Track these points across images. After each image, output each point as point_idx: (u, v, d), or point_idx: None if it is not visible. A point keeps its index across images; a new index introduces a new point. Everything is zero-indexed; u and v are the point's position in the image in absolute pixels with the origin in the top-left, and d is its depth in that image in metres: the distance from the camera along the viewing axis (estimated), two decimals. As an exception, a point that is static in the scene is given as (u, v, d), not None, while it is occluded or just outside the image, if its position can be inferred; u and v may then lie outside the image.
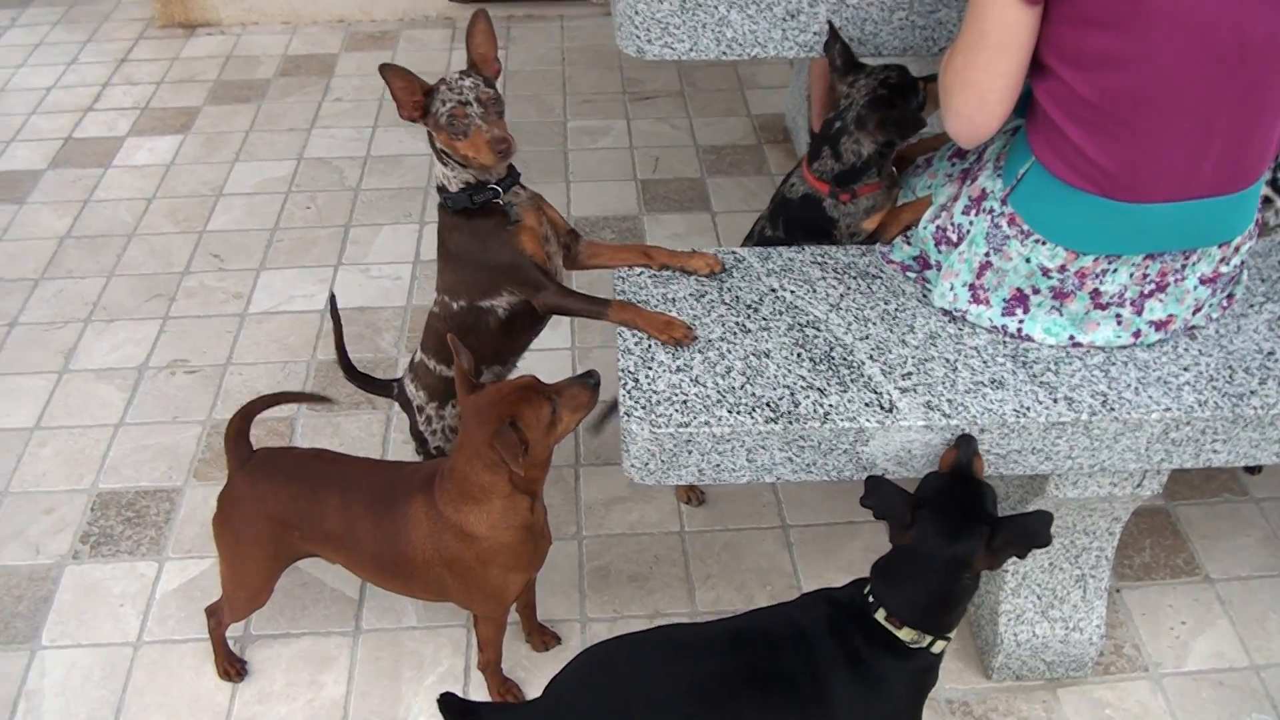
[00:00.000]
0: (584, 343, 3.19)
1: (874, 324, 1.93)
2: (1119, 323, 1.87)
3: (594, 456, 2.82)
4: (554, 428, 1.84)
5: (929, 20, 2.02)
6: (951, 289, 1.95)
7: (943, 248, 1.98)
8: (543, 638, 2.35)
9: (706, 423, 1.76)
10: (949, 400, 1.78)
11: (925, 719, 1.84)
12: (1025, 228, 1.84)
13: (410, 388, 2.30)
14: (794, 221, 2.25)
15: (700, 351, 1.89)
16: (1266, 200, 2.16)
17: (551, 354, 3.11)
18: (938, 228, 1.99)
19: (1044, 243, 1.82)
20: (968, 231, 1.93)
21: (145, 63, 4.74)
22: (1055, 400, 1.78)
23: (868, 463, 1.79)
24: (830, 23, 2.01)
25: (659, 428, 1.76)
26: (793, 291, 2.01)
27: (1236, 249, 1.85)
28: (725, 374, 1.84)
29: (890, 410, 1.76)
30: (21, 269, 3.55)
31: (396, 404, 2.42)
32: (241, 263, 3.56)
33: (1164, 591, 2.48)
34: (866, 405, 1.77)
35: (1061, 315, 1.88)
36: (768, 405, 1.78)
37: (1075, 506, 1.97)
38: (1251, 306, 1.98)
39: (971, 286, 1.93)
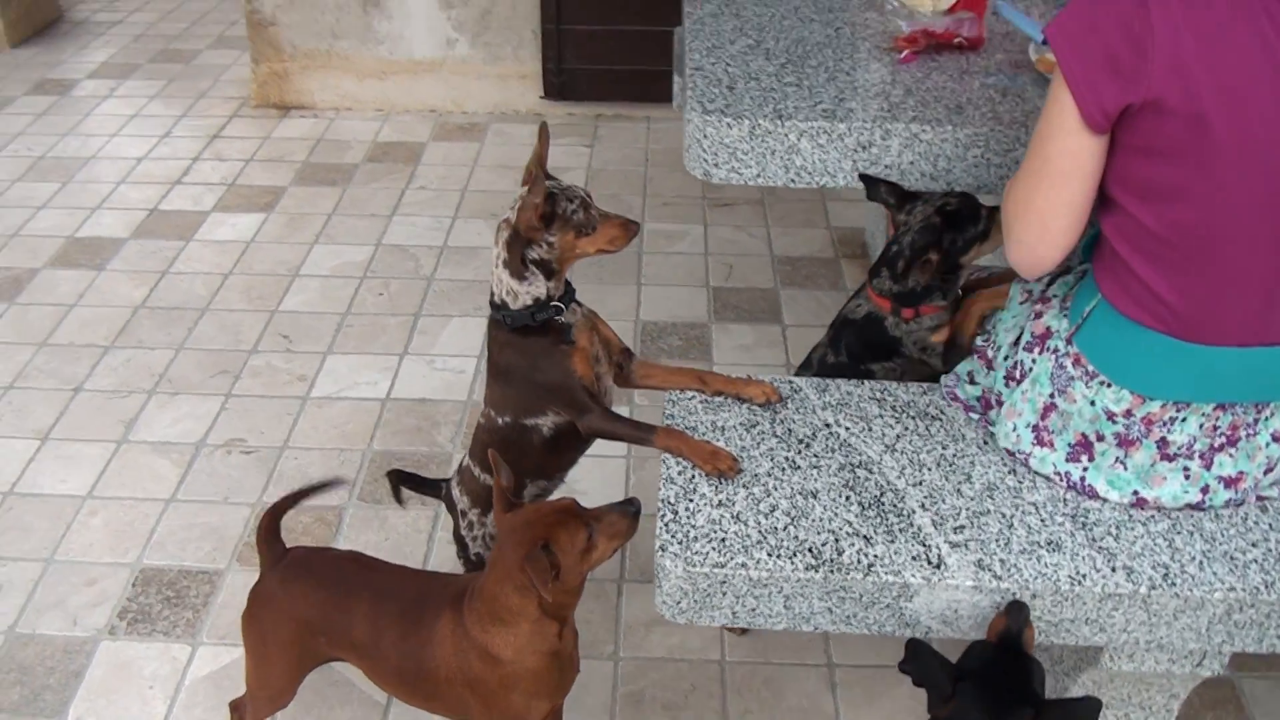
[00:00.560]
0: (640, 452, 3.13)
1: (929, 470, 1.85)
2: (1186, 477, 1.78)
3: (639, 573, 2.75)
4: (589, 554, 1.78)
5: (1005, 159, 1.97)
6: (1015, 430, 1.87)
7: (1010, 384, 1.91)
8: (567, 765, 2.27)
9: (743, 565, 1.69)
10: (1002, 560, 1.69)
11: None
12: (1090, 369, 1.76)
13: (456, 491, 2.27)
14: (856, 344, 2.19)
15: (745, 486, 1.83)
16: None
17: (605, 461, 3.06)
18: (1010, 366, 1.92)
19: (1109, 385, 1.74)
20: (1029, 369, 1.86)
21: (237, 140, 4.87)
22: (1114, 569, 1.68)
23: (911, 620, 1.70)
24: (861, 174, 1.98)
25: (693, 566, 1.69)
26: (847, 428, 1.94)
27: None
28: (769, 513, 1.77)
29: (938, 566, 1.68)
30: (93, 335, 3.61)
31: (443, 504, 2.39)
32: (309, 345, 3.58)
33: (1229, 771, 2.32)
34: (914, 559, 1.69)
35: (1127, 469, 1.79)
36: (810, 551, 1.70)
37: (1131, 680, 1.85)
38: (1335, 480, 1.86)
39: (1035, 428, 1.85)
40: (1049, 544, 1.72)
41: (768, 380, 2.05)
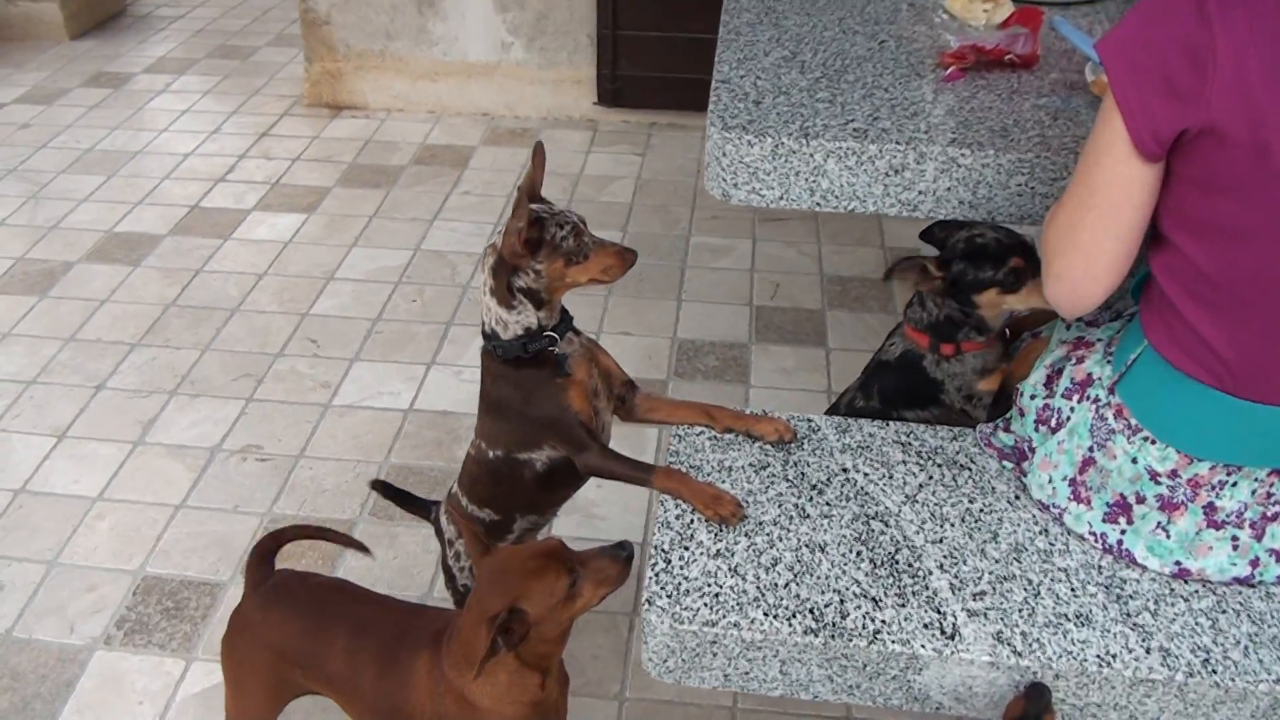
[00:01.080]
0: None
1: (952, 525, 1.69)
2: (1235, 548, 1.60)
3: (652, 608, 2.60)
4: (571, 603, 1.65)
5: (1051, 188, 1.80)
6: (1050, 482, 1.71)
7: (1041, 429, 1.74)
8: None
9: (736, 624, 1.54)
10: (1024, 633, 1.52)
11: None
12: (1133, 422, 1.59)
13: (444, 520, 2.15)
14: (892, 389, 2.03)
15: (748, 535, 1.68)
16: None
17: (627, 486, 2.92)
18: (1040, 408, 1.75)
19: (1153, 441, 1.58)
20: (1067, 418, 1.69)
21: (285, 139, 4.82)
22: (1149, 650, 1.50)
23: (920, 694, 1.54)
24: (921, 234, 1.85)
25: (681, 623, 1.55)
26: (866, 474, 1.79)
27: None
28: (770, 566, 1.62)
29: (952, 637, 1.51)
30: (121, 332, 3.56)
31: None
32: (336, 351, 3.49)
33: None
34: (925, 627, 1.53)
35: (1169, 536, 1.61)
36: (811, 612, 1.55)
37: (1169, 773, 1.66)
38: None
39: (1072, 482, 1.68)
40: (1078, 617, 1.55)
41: (783, 418, 1.89)
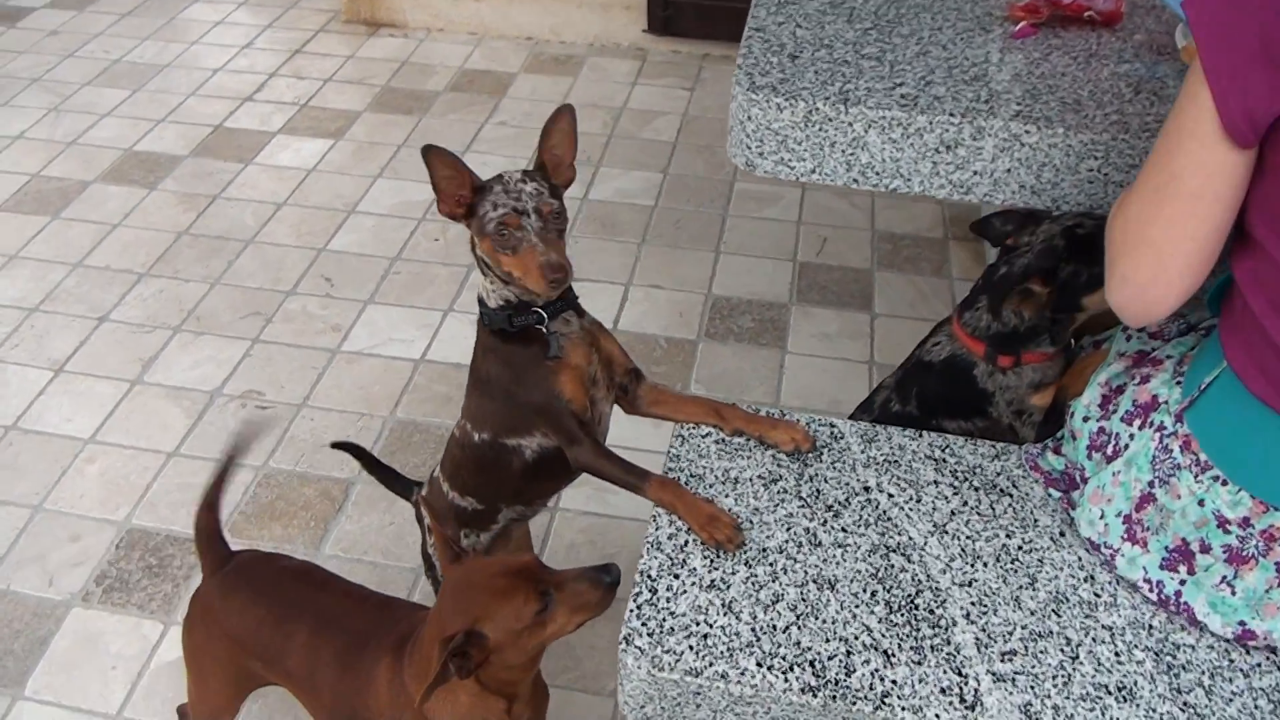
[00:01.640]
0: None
1: (985, 565, 1.46)
2: (1312, 609, 1.36)
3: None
4: (540, 629, 1.46)
5: (1128, 176, 1.53)
6: (1102, 518, 1.47)
7: (1094, 455, 1.50)
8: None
9: (723, 675, 1.33)
10: (1055, 707, 1.30)
11: None
12: (1202, 458, 1.35)
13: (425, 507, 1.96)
14: (932, 394, 1.80)
15: (748, 564, 1.47)
16: None
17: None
18: (1094, 432, 1.51)
19: (1225, 482, 1.34)
20: (1125, 446, 1.45)
21: (319, 58, 4.59)
22: (1206, 740, 1.28)
23: (932, 769, 1.33)
24: (971, 225, 1.58)
25: (660, 670, 1.34)
26: (891, 496, 1.56)
27: None
28: (770, 604, 1.41)
29: (973, 707, 1.30)
30: (130, 260, 3.40)
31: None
32: (351, 291, 3.31)
33: None
34: (943, 691, 1.31)
35: (1235, 593, 1.38)
36: (811, 665, 1.34)
37: None
38: None
39: (1127, 520, 1.45)
40: (1120, 689, 1.32)
41: (801, 423, 1.67)
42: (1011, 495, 1.56)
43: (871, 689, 1.32)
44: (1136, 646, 1.37)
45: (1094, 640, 1.36)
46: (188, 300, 3.25)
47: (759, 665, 1.35)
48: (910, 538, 1.50)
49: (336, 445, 2.15)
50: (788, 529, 1.52)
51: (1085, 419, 1.53)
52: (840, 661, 1.35)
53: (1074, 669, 1.34)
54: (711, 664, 1.35)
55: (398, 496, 2.15)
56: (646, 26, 4.64)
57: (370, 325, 3.18)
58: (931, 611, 1.40)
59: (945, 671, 1.34)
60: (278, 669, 1.75)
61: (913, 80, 1.59)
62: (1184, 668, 1.35)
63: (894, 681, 1.33)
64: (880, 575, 1.45)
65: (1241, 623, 1.38)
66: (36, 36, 4.70)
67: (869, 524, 1.52)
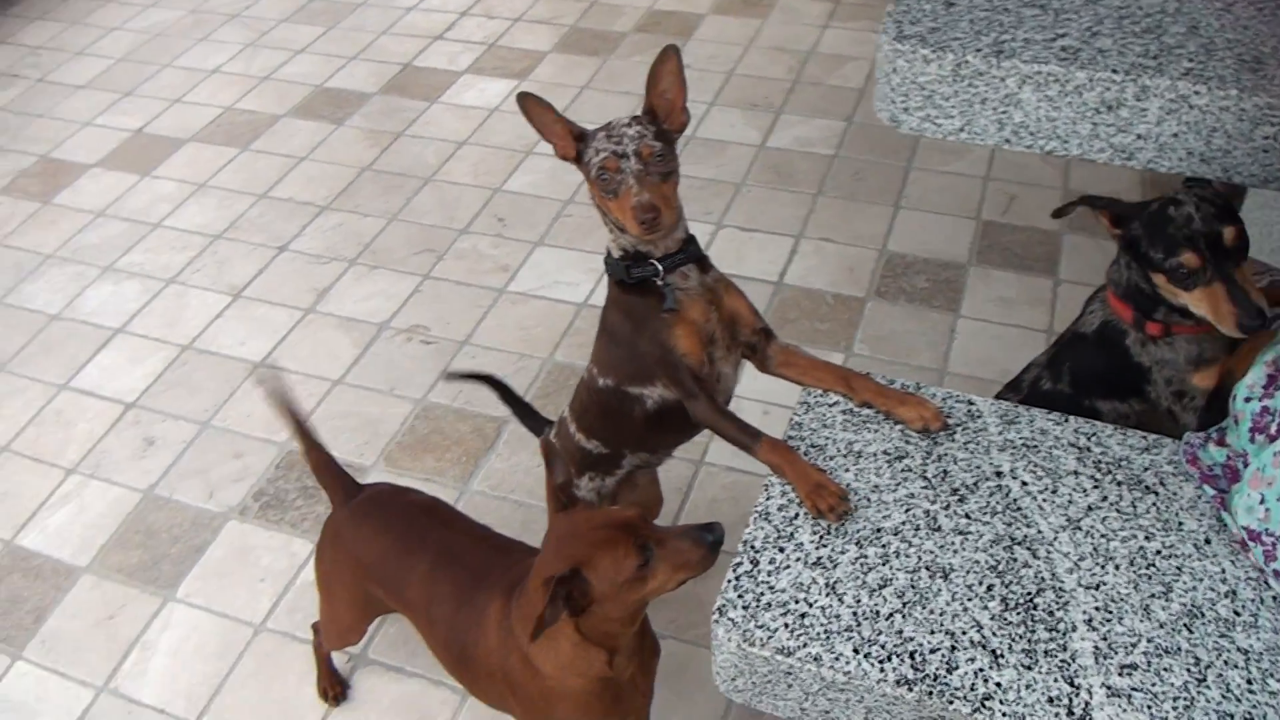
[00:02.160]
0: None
1: (1117, 567, 1.34)
2: None
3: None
4: (641, 584, 1.43)
5: (1320, 146, 1.36)
6: (1263, 503, 1.33)
7: (1257, 438, 1.36)
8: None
9: (816, 658, 1.27)
10: (1179, 732, 1.18)
11: None
12: None
13: (556, 444, 1.96)
14: (1086, 370, 1.66)
15: (859, 543, 1.39)
16: None
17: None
18: (1257, 412, 1.37)
19: None
20: None
21: (511, -3, 4.63)
22: (1350, 789, 1.14)
23: (1032, 781, 1.24)
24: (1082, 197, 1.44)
25: (752, 645, 1.29)
26: (1024, 483, 1.45)
27: None
28: (876, 588, 1.34)
29: (1083, 720, 1.20)
30: (313, 193, 3.52)
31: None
32: (521, 232, 3.33)
33: None
34: (1050, 701, 1.21)
35: None
36: (910, 657, 1.26)
37: None
38: None
39: None
40: (1257, 721, 1.19)
41: (935, 400, 1.57)
42: (1158, 493, 1.43)
43: (973, 689, 1.23)
44: (1273, 675, 1.23)
45: (1226, 663, 1.23)
46: (365, 234, 3.34)
47: (855, 651, 1.28)
48: (1039, 531, 1.39)
49: (463, 376, 2.17)
50: (907, 510, 1.43)
51: (1248, 399, 1.38)
52: (943, 656, 1.27)
53: (1198, 692, 1.21)
54: (805, 645, 1.29)
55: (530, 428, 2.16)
56: (843, -32, 4.46)
57: (537, 267, 3.19)
58: (1050, 613, 1.30)
59: (1056, 680, 1.24)
60: (398, 598, 1.80)
61: (1077, 31, 1.44)
62: (1334, 702, 1.21)
63: (998, 684, 1.24)
64: (1000, 568, 1.35)
65: None
66: (244, -28, 4.91)
67: (996, 512, 1.42)
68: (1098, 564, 1.35)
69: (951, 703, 1.23)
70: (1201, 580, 1.32)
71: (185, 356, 2.94)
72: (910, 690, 1.24)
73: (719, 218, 3.33)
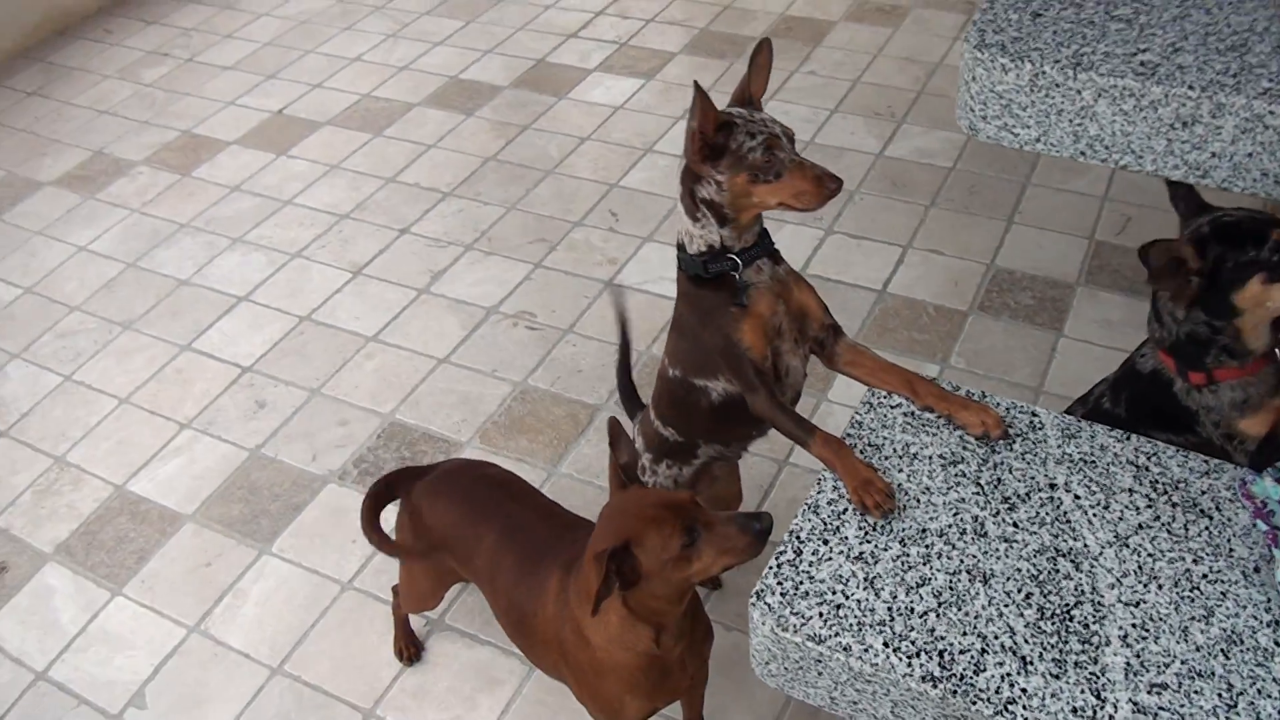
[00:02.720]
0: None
1: (1160, 587, 1.33)
2: None
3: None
4: (686, 564, 1.47)
5: None
6: None
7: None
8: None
9: (846, 648, 1.30)
10: (1202, 754, 1.18)
11: None
12: None
13: (635, 430, 2.02)
14: (1140, 402, 1.65)
15: (902, 542, 1.41)
16: None
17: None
18: None
19: None
20: None
21: (645, -2, 4.71)
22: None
23: (1050, 789, 1.24)
24: (1168, 181, 1.42)
25: (785, 630, 1.33)
26: (1078, 497, 1.45)
27: None
28: (915, 587, 1.36)
29: (1105, 733, 1.20)
30: (438, 179, 3.65)
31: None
32: (633, 227, 3.40)
33: None
34: (1074, 711, 1.22)
35: None
36: (940, 655, 1.28)
37: None
38: None
39: None
40: (1287, 750, 1.18)
41: (997, 408, 1.57)
42: (1212, 518, 1.41)
43: (997, 692, 1.25)
44: (1316, 706, 1.21)
45: (1259, 692, 1.22)
46: (483, 221, 3.45)
47: (885, 645, 1.30)
48: (1085, 544, 1.39)
49: (620, 311, 2.23)
50: (955, 514, 1.45)
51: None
52: (972, 658, 1.28)
53: (1227, 718, 1.20)
54: (837, 634, 1.32)
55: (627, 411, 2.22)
56: (979, -18, 4.41)
57: (644, 262, 3.26)
58: (1086, 626, 1.30)
59: (1083, 691, 1.24)
60: (468, 566, 1.88)
61: (1159, 47, 1.43)
62: (1371, 740, 1.18)
63: (1024, 690, 1.24)
64: (1041, 578, 1.36)
65: None
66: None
67: (1044, 523, 1.42)
68: (1140, 582, 1.34)
69: (975, 703, 1.24)
70: (1245, 608, 1.30)
71: (302, 327, 3.09)
72: (935, 687, 1.26)
73: (829, 224, 3.34)
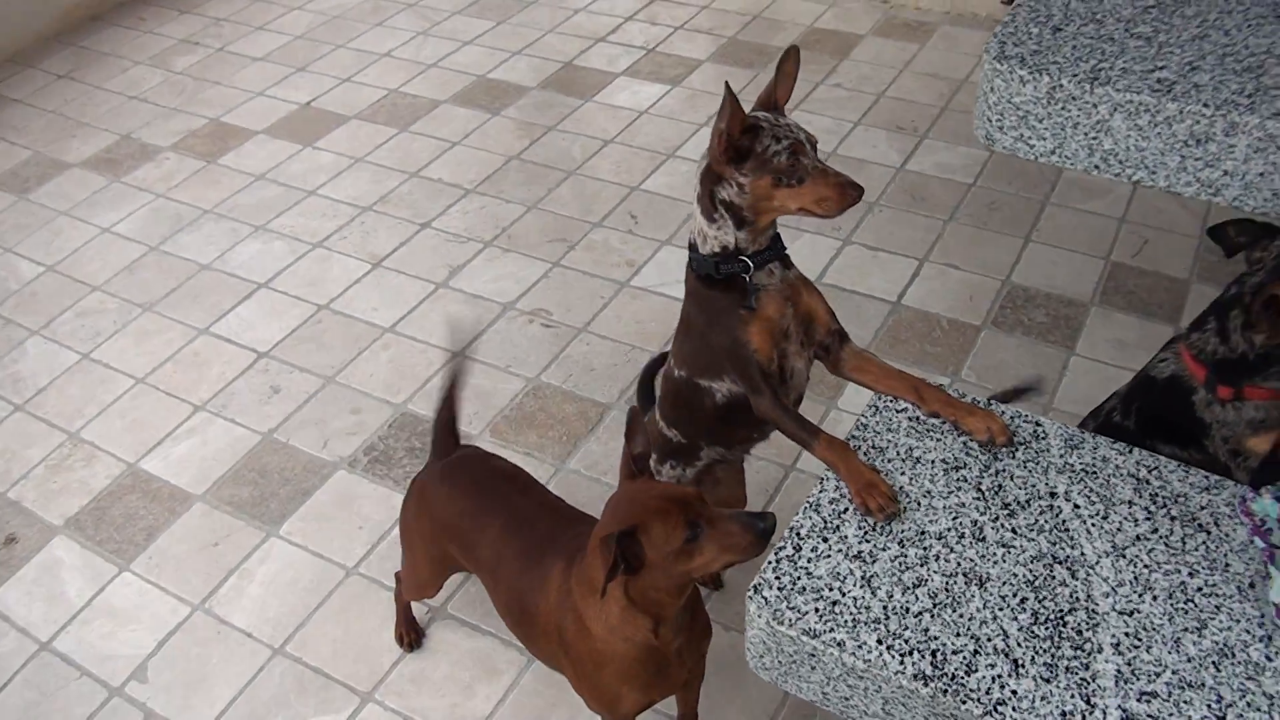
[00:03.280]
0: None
1: (1154, 598, 1.34)
2: None
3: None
4: (687, 558, 1.49)
5: None
6: None
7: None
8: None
9: (840, 643, 1.31)
10: (1189, 761, 1.19)
11: None
12: None
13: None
14: (1151, 413, 1.66)
15: (901, 543, 1.43)
16: None
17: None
18: None
19: None
20: None
21: (675, 5, 4.72)
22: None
23: (1035, 791, 1.25)
24: (1208, 229, 1.43)
25: (779, 624, 1.34)
26: (1077, 506, 1.46)
27: None
28: (911, 587, 1.37)
29: (1093, 737, 1.21)
30: (461, 176, 3.68)
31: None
32: (651, 230, 3.42)
33: None
34: (1063, 715, 1.23)
35: None
36: (932, 655, 1.29)
37: None
38: None
39: None
40: (1275, 763, 1.18)
41: (1002, 415, 1.59)
42: (1210, 532, 1.42)
43: (987, 693, 1.26)
44: (1303, 720, 1.22)
45: (1248, 705, 1.23)
46: (504, 219, 3.48)
47: (879, 642, 1.31)
48: (1082, 553, 1.40)
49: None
50: (954, 518, 1.46)
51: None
52: (964, 659, 1.29)
53: (1220, 727, 1.21)
54: (831, 630, 1.33)
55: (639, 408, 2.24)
56: None
57: (661, 265, 3.28)
58: (1079, 632, 1.31)
59: (1073, 695, 1.25)
60: (470, 556, 1.90)
61: (1176, 64, 1.45)
62: (1359, 756, 1.19)
63: (1014, 692, 1.26)
64: (1036, 584, 1.37)
65: None
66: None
67: (1042, 530, 1.43)
68: (1135, 592, 1.35)
69: (964, 703, 1.25)
70: (1239, 622, 1.31)
71: (320, 315, 3.12)
72: (926, 685, 1.27)
73: (847, 234, 3.35)
